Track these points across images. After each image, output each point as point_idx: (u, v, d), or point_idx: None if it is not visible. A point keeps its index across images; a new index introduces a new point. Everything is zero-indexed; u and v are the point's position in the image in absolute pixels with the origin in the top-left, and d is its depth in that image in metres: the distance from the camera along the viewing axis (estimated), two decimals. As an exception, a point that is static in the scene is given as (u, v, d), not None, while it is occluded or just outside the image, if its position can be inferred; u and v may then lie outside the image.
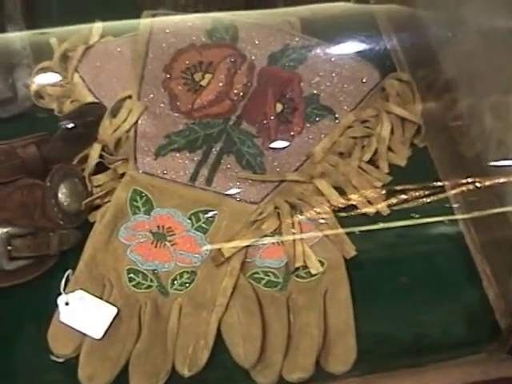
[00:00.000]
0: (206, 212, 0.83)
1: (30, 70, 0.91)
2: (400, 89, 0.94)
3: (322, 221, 0.83)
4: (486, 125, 0.86)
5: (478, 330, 0.79)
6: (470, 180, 0.84)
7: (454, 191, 0.87)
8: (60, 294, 0.75)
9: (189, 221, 0.82)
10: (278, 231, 0.82)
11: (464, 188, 0.85)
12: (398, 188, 0.86)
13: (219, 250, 0.79)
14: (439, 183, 0.87)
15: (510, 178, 0.79)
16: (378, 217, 0.85)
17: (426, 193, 0.85)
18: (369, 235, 0.83)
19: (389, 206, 0.85)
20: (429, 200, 0.85)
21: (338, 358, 0.75)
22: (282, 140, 0.89)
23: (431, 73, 0.95)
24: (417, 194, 0.85)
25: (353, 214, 0.85)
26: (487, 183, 0.83)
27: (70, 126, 0.84)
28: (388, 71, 0.95)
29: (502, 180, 0.80)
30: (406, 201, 0.85)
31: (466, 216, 0.86)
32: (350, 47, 0.95)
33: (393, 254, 0.83)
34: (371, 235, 0.83)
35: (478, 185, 0.84)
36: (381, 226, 0.84)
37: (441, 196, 0.86)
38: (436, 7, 0.96)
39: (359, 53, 0.94)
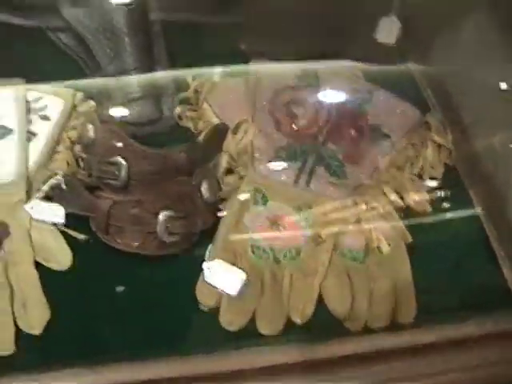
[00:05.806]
0: (307, 206, 0.86)
1: (172, 98, 0.94)
2: (437, 124, 0.97)
3: (387, 215, 0.87)
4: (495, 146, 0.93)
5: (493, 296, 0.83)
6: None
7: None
8: (204, 260, 0.78)
9: (294, 212, 0.85)
10: (358, 221, 0.85)
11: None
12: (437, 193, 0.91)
13: (318, 233, 0.83)
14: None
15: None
16: (423, 213, 0.88)
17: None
18: (419, 226, 0.86)
19: (432, 205, 0.89)
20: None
21: (405, 311, 0.79)
22: (357, 156, 0.92)
23: (455, 115, 0.99)
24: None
25: (407, 211, 0.88)
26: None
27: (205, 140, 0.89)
28: (426, 111, 0.98)
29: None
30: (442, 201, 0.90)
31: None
32: (400, 95, 0.97)
33: (437, 239, 0.86)
34: (420, 226, 0.86)
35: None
36: (425, 220, 0.88)
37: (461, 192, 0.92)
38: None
39: (407, 99, 0.97)
